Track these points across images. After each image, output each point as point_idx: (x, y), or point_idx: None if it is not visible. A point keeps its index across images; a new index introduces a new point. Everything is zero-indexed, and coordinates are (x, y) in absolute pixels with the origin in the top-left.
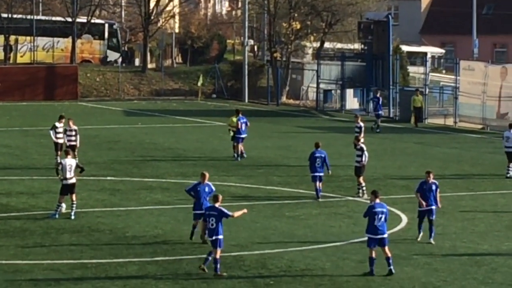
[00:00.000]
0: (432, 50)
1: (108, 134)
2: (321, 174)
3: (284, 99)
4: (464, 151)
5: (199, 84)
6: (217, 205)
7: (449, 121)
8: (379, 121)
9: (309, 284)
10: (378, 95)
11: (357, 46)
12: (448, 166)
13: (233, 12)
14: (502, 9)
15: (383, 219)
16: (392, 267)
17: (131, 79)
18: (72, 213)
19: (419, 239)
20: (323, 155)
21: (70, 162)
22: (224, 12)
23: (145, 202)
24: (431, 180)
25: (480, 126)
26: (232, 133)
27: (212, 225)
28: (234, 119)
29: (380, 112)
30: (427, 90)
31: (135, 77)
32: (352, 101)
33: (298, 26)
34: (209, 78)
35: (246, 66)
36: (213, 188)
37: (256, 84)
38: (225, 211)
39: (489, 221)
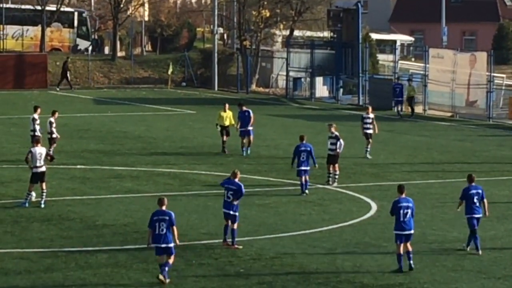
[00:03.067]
0: (401, 38)
1: (78, 122)
2: (307, 168)
3: (254, 87)
4: (434, 138)
5: (169, 72)
6: (163, 208)
7: (419, 109)
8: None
9: (279, 272)
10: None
11: (326, 34)
12: (417, 154)
13: (203, 0)
14: None
15: (409, 214)
16: (412, 261)
17: (101, 67)
18: (42, 202)
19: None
20: (308, 148)
21: (40, 150)
22: (193, 0)
23: (115, 190)
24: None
25: (449, 114)
26: (219, 128)
27: (162, 230)
28: (224, 114)
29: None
30: (397, 78)
31: (105, 65)
32: (321, 89)
33: (268, 14)
34: (179, 66)
35: (216, 54)
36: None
37: (226, 72)
38: (174, 218)
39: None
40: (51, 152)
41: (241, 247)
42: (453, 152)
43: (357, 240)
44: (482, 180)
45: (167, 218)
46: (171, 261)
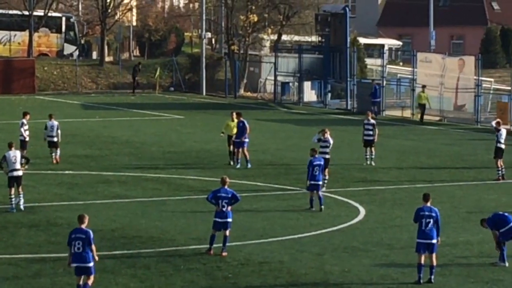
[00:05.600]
0: (389, 42)
1: (66, 127)
2: (320, 182)
3: (242, 91)
4: (422, 143)
5: (155, 77)
6: (83, 225)
7: (407, 113)
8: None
9: (267, 277)
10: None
11: (314, 38)
12: (405, 158)
13: (191, 5)
14: (458, 1)
15: (431, 223)
16: (433, 276)
17: (89, 72)
18: (21, 204)
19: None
20: (322, 163)
21: (14, 153)
22: (181, 5)
23: (103, 196)
24: None
25: (437, 118)
26: (223, 136)
27: (79, 249)
28: (231, 124)
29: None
30: (385, 82)
31: (93, 70)
32: (309, 94)
33: (256, 19)
34: (167, 71)
35: (204, 59)
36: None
37: (214, 77)
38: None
39: (446, 213)
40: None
41: (225, 254)
42: (441, 156)
43: (345, 244)
44: (471, 184)
45: (83, 236)
46: (90, 281)
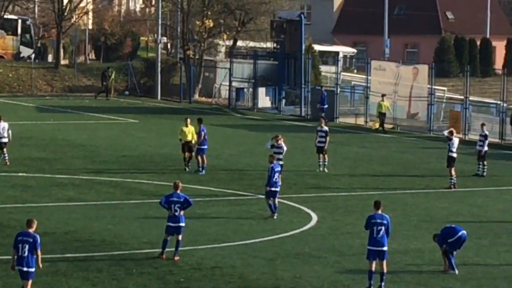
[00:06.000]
0: (344, 50)
1: (20, 130)
2: (278, 189)
3: (196, 96)
4: (374, 150)
5: (110, 80)
6: (31, 230)
7: (360, 121)
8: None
9: (219, 282)
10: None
11: (269, 45)
12: (358, 166)
13: (147, 9)
14: (413, 10)
15: (382, 231)
16: (383, 283)
17: (44, 75)
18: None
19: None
20: (280, 169)
21: None
22: (137, 9)
23: (57, 198)
24: None
25: (390, 126)
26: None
27: (24, 252)
28: (185, 129)
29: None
30: (338, 89)
31: (48, 73)
32: (264, 100)
33: (211, 24)
34: (122, 75)
35: (159, 64)
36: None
37: (169, 82)
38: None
39: (398, 220)
40: None
41: (177, 258)
42: (394, 164)
43: (297, 250)
44: (422, 192)
45: (31, 240)
46: (28, 287)
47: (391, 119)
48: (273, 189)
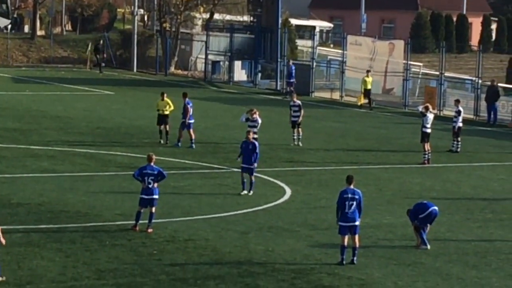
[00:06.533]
0: (320, 24)
1: None
2: (251, 166)
3: (172, 69)
4: (349, 125)
5: (86, 52)
6: None
7: (336, 95)
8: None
9: (192, 254)
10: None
11: (246, 18)
12: (332, 140)
13: None
14: None
15: (354, 205)
16: (356, 258)
17: (20, 46)
18: None
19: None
20: (250, 147)
21: None
22: None
23: (31, 169)
24: None
25: (365, 101)
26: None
27: None
28: (160, 103)
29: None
30: (314, 64)
31: (24, 44)
32: (240, 73)
33: None
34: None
35: (136, 36)
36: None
37: (145, 54)
38: None
39: (371, 195)
40: None
41: (150, 230)
42: (368, 139)
43: (270, 224)
44: (396, 167)
45: None
46: None
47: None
48: (248, 165)
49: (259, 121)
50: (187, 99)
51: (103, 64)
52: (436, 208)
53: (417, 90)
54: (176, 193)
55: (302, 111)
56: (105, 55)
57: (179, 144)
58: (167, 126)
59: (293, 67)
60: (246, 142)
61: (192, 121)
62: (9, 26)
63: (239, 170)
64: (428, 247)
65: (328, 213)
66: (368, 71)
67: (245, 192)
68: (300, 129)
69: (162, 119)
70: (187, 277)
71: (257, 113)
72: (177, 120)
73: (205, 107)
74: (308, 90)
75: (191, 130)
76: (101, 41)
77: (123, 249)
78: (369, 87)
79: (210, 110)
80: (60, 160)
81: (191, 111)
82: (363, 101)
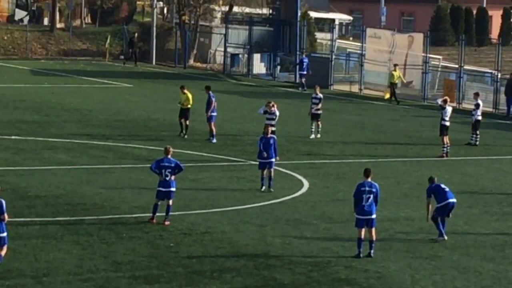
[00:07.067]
0: (340, 17)
1: (14, 93)
2: (272, 160)
3: (191, 62)
4: (368, 118)
5: (106, 44)
6: None
7: (355, 88)
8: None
9: (209, 247)
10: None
11: (265, 11)
12: (351, 133)
13: None
14: None
15: (371, 199)
16: (373, 251)
17: (39, 38)
18: None
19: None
20: (270, 141)
21: None
22: None
23: (49, 162)
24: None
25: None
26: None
27: None
28: (182, 96)
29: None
30: (333, 57)
31: (43, 36)
32: (259, 66)
33: None
34: (118, 40)
35: (155, 28)
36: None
37: (164, 47)
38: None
39: (389, 188)
40: None
41: (168, 223)
42: (387, 132)
43: (287, 217)
44: (415, 160)
45: None
46: (3, 252)
47: (386, 87)
48: (268, 160)
49: (277, 113)
50: (210, 92)
51: (136, 63)
52: (454, 200)
53: (436, 83)
54: (193, 186)
55: (321, 105)
56: (137, 49)
57: (214, 139)
58: (187, 121)
59: (306, 60)
60: (265, 137)
61: (214, 114)
62: (27, 18)
63: (256, 163)
64: (445, 237)
65: (345, 206)
66: (395, 65)
67: (265, 188)
68: (319, 122)
69: (183, 112)
70: (204, 270)
71: (275, 105)
72: (198, 114)
73: (223, 99)
74: (327, 83)
75: (213, 124)
76: (135, 34)
77: (140, 241)
78: (395, 80)
79: (229, 102)
80: (78, 152)
81: (215, 104)
82: (388, 95)
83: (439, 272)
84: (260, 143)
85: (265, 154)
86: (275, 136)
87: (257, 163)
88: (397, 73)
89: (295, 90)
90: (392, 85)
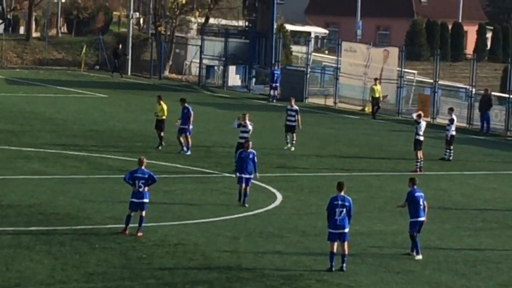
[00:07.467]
0: (316, 30)
1: None
2: (250, 176)
3: (167, 73)
4: (342, 131)
5: (81, 54)
6: None
7: (330, 102)
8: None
9: (181, 259)
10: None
11: (241, 23)
12: (325, 146)
13: None
14: None
15: (344, 212)
16: (345, 264)
17: (15, 47)
18: None
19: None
20: (250, 156)
21: None
22: None
23: (22, 171)
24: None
25: (359, 108)
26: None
27: None
28: (158, 107)
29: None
30: (309, 70)
31: (19, 45)
32: (234, 78)
33: (184, 1)
34: (93, 50)
35: (131, 39)
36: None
37: (140, 57)
38: None
39: (363, 202)
40: None
41: (140, 234)
42: (361, 146)
43: (260, 230)
44: (388, 174)
45: None
46: None
47: (361, 100)
48: (247, 176)
49: (250, 127)
50: (186, 104)
51: (121, 74)
52: (423, 219)
53: (411, 98)
54: (166, 197)
55: (299, 116)
56: (118, 61)
57: (188, 151)
58: (162, 132)
59: (277, 71)
60: (245, 152)
61: (192, 127)
62: (2, 27)
63: (231, 175)
64: (417, 257)
65: (318, 220)
66: (376, 79)
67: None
68: (294, 134)
69: (158, 124)
70: (176, 282)
71: (249, 118)
72: (173, 125)
73: (198, 111)
74: (302, 96)
75: (189, 136)
76: (120, 46)
77: (112, 252)
78: (377, 95)
79: (204, 114)
80: (51, 162)
81: (192, 116)
82: (370, 109)
83: (411, 287)
84: (239, 158)
85: (237, 175)
86: (254, 151)
87: (232, 175)
88: (378, 87)
89: (270, 103)
90: (373, 100)
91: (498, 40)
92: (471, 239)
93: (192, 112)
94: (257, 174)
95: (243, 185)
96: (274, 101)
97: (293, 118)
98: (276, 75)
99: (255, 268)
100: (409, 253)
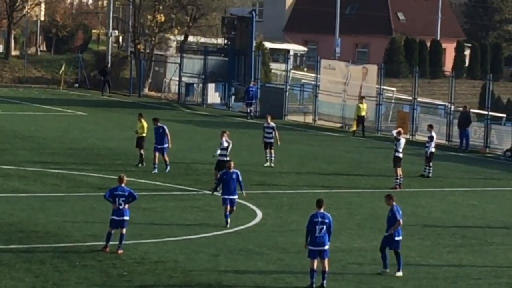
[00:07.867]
0: (295, 48)
1: None
2: (234, 197)
3: (146, 91)
4: (322, 148)
5: (60, 72)
6: None
7: (309, 119)
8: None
9: (162, 276)
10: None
11: (220, 41)
12: (305, 164)
13: (99, 2)
14: (364, 10)
15: (324, 230)
16: (325, 281)
17: None
18: None
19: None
20: (233, 176)
21: None
22: (90, 1)
23: (2, 189)
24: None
25: (338, 125)
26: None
27: None
28: (139, 124)
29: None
30: (288, 87)
31: None
32: (213, 96)
33: (163, 19)
34: (72, 68)
35: (110, 57)
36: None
37: (119, 75)
38: None
39: (342, 219)
40: None
41: (121, 251)
42: (340, 163)
43: (241, 247)
44: (368, 191)
45: None
46: None
47: (340, 118)
48: (231, 197)
49: (225, 144)
50: (159, 124)
51: (103, 92)
52: (400, 238)
53: (390, 115)
54: (146, 215)
55: (277, 133)
56: (106, 79)
57: (167, 167)
58: (142, 149)
59: (253, 88)
60: (227, 173)
61: (167, 145)
62: None
63: (209, 192)
64: (397, 274)
65: (298, 237)
66: (362, 97)
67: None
68: (272, 150)
69: (138, 141)
70: None
71: (227, 135)
72: (152, 143)
73: (178, 129)
74: (281, 114)
75: (166, 154)
76: (108, 64)
77: (93, 270)
78: (362, 113)
79: (183, 132)
80: (31, 180)
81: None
82: (356, 127)
83: None
84: (222, 179)
85: (215, 193)
86: (237, 171)
87: (211, 193)
88: (364, 106)
89: (249, 120)
90: (359, 118)
91: (476, 57)
92: (451, 255)
93: (166, 131)
94: (244, 193)
95: (228, 206)
96: (249, 118)
97: (270, 135)
98: (251, 92)
99: (235, 286)
100: (381, 272)
